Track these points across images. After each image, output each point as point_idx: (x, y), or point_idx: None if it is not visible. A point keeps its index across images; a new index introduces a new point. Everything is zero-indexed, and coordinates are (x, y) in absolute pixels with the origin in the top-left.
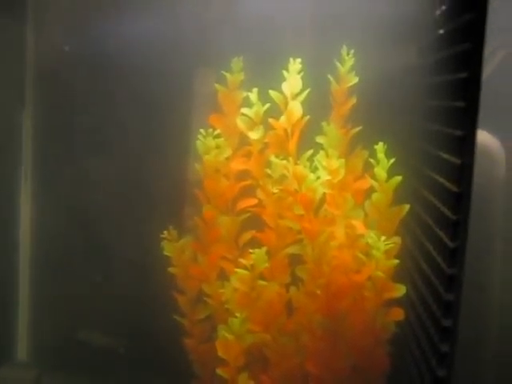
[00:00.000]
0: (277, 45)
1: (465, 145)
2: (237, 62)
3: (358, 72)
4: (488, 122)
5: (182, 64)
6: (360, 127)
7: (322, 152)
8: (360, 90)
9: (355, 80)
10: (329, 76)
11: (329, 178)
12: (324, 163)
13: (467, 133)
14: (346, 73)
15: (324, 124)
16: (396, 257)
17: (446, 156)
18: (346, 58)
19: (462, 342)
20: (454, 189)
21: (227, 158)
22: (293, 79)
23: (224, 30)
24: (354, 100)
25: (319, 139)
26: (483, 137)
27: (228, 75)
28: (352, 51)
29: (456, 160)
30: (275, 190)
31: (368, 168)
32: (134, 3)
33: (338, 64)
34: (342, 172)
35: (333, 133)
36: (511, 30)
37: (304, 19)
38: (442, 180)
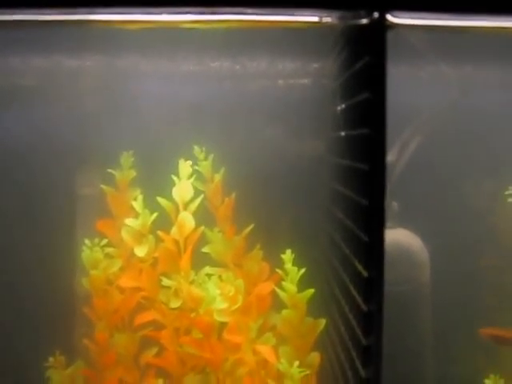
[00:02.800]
0: (168, 138)
1: (371, 254)
2: (126, 157)
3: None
4: (408, 219)
5: (61, 164)
6: (251, 226)
7: (213, 277)
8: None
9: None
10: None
11: (224, 306)
12: (218, 289)
13: (374, 239)
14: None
15: (207, 231)
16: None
17: (355, 265)
18: (200, 155)
19: None
20: (364, 308)
21: (120, 269)
22: (184, 185)
23: (109, 123)
24: (231, 199)
25: (205, 249)
26: (404, 237)
27: (117, 173)
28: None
29: (364, 271)
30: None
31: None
32: (15, 101)
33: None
34: (240, 299)
35: (217, 239)
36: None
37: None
38: (354, 293)
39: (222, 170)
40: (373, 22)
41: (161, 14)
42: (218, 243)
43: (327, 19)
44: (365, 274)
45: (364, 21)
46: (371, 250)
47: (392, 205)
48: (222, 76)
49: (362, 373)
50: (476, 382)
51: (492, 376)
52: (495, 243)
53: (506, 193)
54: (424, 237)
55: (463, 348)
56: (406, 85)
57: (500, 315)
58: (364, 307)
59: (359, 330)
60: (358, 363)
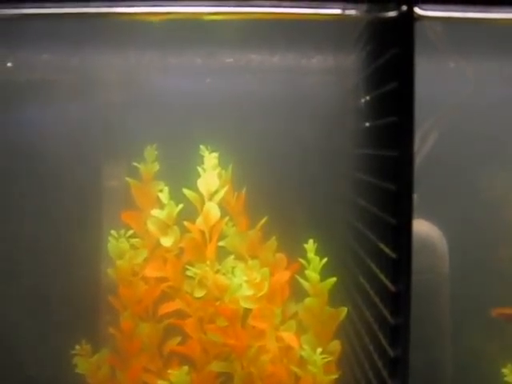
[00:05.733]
0: (192, 132)
1: (399, 236)
2: (150, 151)
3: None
4: (427, 210)
5: (88, 156)
6: (265, 219)
7: (240, 263)
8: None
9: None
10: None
11: (251, 293)
12: (245, 276)
13: (402, 222)
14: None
15: (222, 225)
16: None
17: (382, 248)
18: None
19: None
20: (392, 288)
21: (145, 259)
22: (209, 176)
23: (133, 117)
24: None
25: (221, 243)
26: (424, 228)
27: (141, 166)
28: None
29: (392, 253)
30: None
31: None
32: (40, 95)
33: None
34: (266, 285)
35: (232, 232)
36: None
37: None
38: (381, 276)
39: (231, 166)
40: (401, 15)
41: (183, 6)
42: (232, 237)
43: (351, 12)
44: (393, 255)
45: (392, 13)
46: (400, 232)
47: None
48: (244, 70)
49: (391, 352)
50: (493, 372)
51: (509, 365)
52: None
53: None
54: (442, 228)
55: (480, 338)
56: (428, 76)
57: None
58: (392, 288)
59: (387, 312)
60: (385, 343)
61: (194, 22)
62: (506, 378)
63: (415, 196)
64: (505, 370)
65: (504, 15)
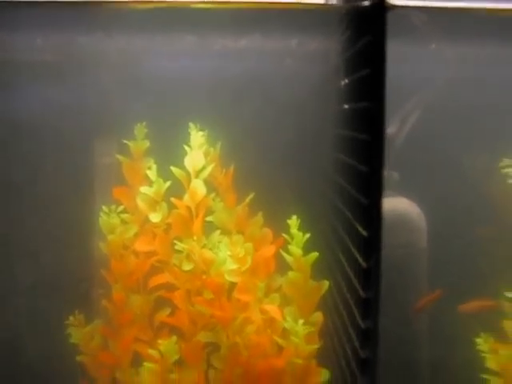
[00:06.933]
0: (180, 111)
1: (370, 216)
2: (140, 129)
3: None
4: (408, 188)
5: (81, 134)
6: (252, 195)
7: (225, 238)
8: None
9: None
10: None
11: (235, 267)
12: (229, 251)
13: (372, 202)
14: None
15: (210, 200)
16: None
17: (355, 225)
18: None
19: None
20: (364, 264)
21: (135, 234)
22: (195, 154)
23: (123, 95)
24: (230, 170)
25: (209, 218)
26: (404, 205)
27: (131, 144)
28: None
29: (363, 231)
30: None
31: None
32: (39, 77)
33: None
34: (249, 260)
35: (219, 208)
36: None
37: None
38: (355, 253)
39: (219, 144)
40: (374, 4)
41: None
42: (220, 212)
43: (332, 1)
44: (364, 233)
45: (366, 3)
46: (370, 212)
47: (392, 175)
48: (230, 53)
49: (362, 324)
50: (467, 340)
51: (483, 334)
52: (490, 213)
53: (501, 164)
54: (422, 205)
55: (454, 308)
56: (406, 61)
57: (494, 284)
58: (363, 264)
59: (360, 287)
60: (358, 316)
61: (181, 10)
62: (479, 347)
63: (396, 174)
64: (479, 340)
65: (475, 4)
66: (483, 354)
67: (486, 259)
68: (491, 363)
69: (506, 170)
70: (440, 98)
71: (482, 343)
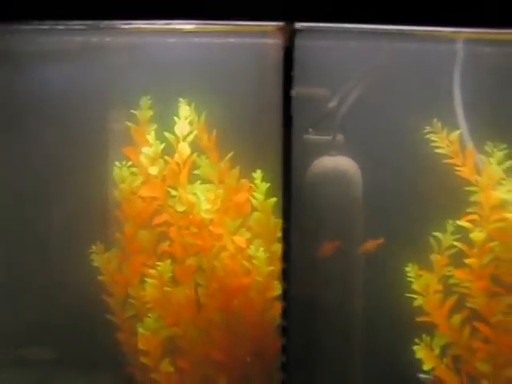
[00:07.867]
0: (175, 87)
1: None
2: (145, 101)
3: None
4: (349, 149)
5: (97, 105)
6: (231, 153)
7: (201, 186)
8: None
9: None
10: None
11: (208, 206)
12: (204, 196)
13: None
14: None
15: (197, 158)
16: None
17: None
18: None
19: None
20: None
21: (142, 183)
22: (182, 123)
23: (132, 74)
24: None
25: (197, 171)
26: (344, 163)
27: (137, 113)
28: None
29: None
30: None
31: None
32: (48, 52)
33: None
34: (219, 202)
35: (205, 164)
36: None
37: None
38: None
39: (205, 113)
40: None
41: None
42: (205, 167)
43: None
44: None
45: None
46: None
47: (338, 137)
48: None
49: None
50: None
51: (411, 265)
52: (418, 172)
53: (424, 131)
54: (361, 163)
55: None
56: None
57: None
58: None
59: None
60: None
61: None
62: (407, 274)
63: (341, 137)
64: (407, 268)
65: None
66: (409, 279)
67: (411, 206)
68: (416, 286)
69: (428, 136)
70: (377, 77)
71: (410, 271)
